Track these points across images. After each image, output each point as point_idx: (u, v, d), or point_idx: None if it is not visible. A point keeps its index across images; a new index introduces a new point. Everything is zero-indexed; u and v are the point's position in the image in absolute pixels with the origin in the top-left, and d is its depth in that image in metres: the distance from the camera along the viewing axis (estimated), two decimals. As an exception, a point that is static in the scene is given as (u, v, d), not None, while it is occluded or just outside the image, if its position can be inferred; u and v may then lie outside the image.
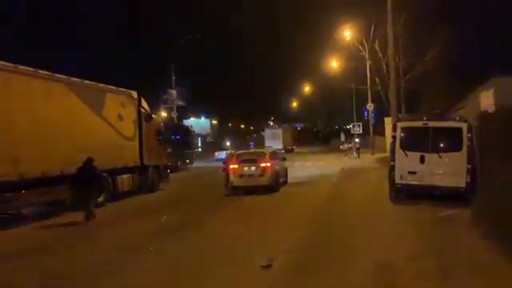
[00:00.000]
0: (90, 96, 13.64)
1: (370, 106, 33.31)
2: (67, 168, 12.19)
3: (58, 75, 12.54)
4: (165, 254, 7.59)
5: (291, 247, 7.45)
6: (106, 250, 8.11)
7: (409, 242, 7.47)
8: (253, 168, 14.89)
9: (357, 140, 34.36)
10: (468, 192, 10.12)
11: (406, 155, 11.14)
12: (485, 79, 18.27)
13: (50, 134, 11.77)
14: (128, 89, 16.17)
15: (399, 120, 13.25)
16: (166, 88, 41.42)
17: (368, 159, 29.61)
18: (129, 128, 15.69)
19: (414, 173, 10.96)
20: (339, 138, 44.23)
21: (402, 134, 11.41)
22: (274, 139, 46.28)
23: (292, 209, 11.97)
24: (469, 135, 10.40)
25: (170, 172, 22.85)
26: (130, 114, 15.92)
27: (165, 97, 41.72)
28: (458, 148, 10.52)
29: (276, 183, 15.23)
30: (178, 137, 29.22)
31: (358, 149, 33.25)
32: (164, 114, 44.62)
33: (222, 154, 24.44)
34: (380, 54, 27.05)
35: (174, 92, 41.15)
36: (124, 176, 14.87)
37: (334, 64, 37.56)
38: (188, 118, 53.67)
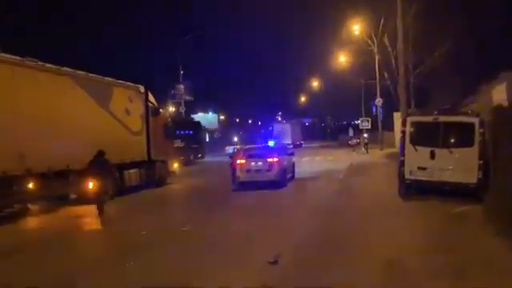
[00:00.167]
0: (97, 90, 13.60)
1: (379, 101, 32.94)
2: (73, 163, 12.22)
3: (65, 69, 12.51)
4: (168, 250, 7.50)
5: (298, 243, 7.33)
6: (110, 245, 8.07)
7: (420, 240, 7.29)
8: (260, 163, 14.77)
9: (365, 135, 34.06)
10: (479, 188, 9.90)
11: (416, 150, 10.94)
12: (496, 74, 17.93)
13: (56, 128, 11.73)
14: (135, 83, 16.13)
15: (409, 115, 13.02)
16: (174, 83, 41.45)
17: (377, 154, 29.35)
18: (136, 122, 15.64)
19: (424, 168, 10.75)
20: (347, 133, 43.91)
21: (412, 129, 11.20)
22: (282, 134, 46.24)
23: (299, 204, 11.83)
24: (481, 130, 10.16)
25: (183, 166, 23.75)
26: (138, 108, 15.87)
27: (172, 91, 41.72)
28: (470, 143, 10.28)
29: (283, 178, 15.10)
30: (190, 132, 29.86)
31: (366, 144, 32.98)
32: (172, 108, 44.61)
33: (232, 149, 24.51)
34: (389, 48, 26.68)
35: (181, 87, 41.12)
36: (131, 171, 14.85)
37: (342, 59, 37.20)
38: (196, 113, 53.58)
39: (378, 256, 6.43)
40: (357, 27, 30.33)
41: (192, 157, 28.62)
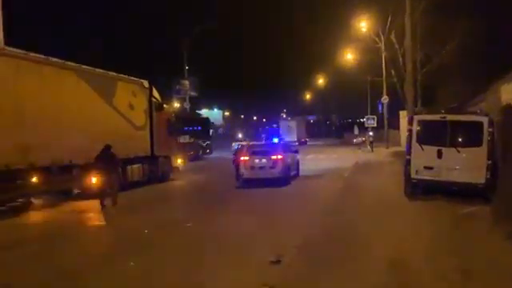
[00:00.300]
0: (101, 84, 13.53)
1: (385, 99, 32.68)
2: (77, 157, 12.17)
3: (69, 63, 12.43)
4: (168, 247, 7.38)
5: (301, 243, 7.19)
6: (110, 241, 7.99)
7: (427, 241, 7.12)
8: (264, 160, 14.65)
9: (370, 133, 33.85)
10: (487, 189, 9.72)
11: (423, 149, 10.76)
12: (505, 73, 17.63)
13: (59, 122, 11.67)
14: (140, 78, 16.04)
15: (416, 113, 12.83)
16: (179, 78, 41.36)
17: (382, 153, 29.14)
18: (139, 117, 15.57)
19: (431, 168, 10.57)
20: (353, 131, 43.71)
21: (419, 128, 11.01)
22: (288, 131, 46.34)
23: (303, 203, 11.68)
24: (490, 129, 9.97)
25: (192, 161, 25.02)
26: (141, 103, 15.78)
27: (177, 87, 41.69)
28: (478, 143, 10.09)
29: (287, 176, 14.98)
30: (199, 128, 30.66)
31: (371, 142, 32.77)
32: (177, 104, 44.55)
33: (238, 145, 24.67)
34: (396, 46, 26.41)
35: (186, 82, 41.06)
36: (134, 166, 14.78)
37: (348, 56, 36.94)
38: (200, 109, 53.55)
39: (383, 257, 6.28)
40: (364, 24, 30.09)
41: (200, 152, 29.21)
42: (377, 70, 32.29)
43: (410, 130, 11.10)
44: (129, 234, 8.55)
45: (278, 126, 52.04)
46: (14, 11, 14.82)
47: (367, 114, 38.13)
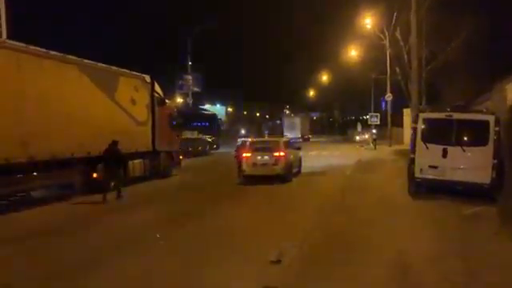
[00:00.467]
0: (103, 79, 13.40)
1: (389, 97, 32.42)
2: (78, 151, 12.08)
3: (70, 57, 12.30)
4: (168, 244, 7.28)
5: (302, 242, 7.08)
6: (111, 237, 7.88)
7: (431, 242, 6.99)
8: (266, 157, 14.52)
9: (374, 131, 33.64)
10: (493, 189, 9.58)
11: (427, 148, 10.61)
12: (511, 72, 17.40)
13: (60, 116, 11.56)
14: (142, 73, 15.91)
15: (420, 111, 12.66)
16: (182, 74, 41.25)
17: (385, 151, 28.96)
18: (141, 112, 15.44)
19: (436, 167, 10.42)
20: (355, 128, 43.51)
21: (424, 126, 10.85)
22: (292, 128, 46.33)
23: (304, 201, 11.54)
24: (496, 129, 9.81)
25: (200, 155, 26.41)
26: (143, 98, 15.65)
27: (180, 82, 41.62)
28: (484, 142, 9.93)
29: (289, 173, 14.85)
30: (206, 123, 31.61)
31: (374, 140, 32.57)
32: (180, 99, 44.46)
33: (241, 141, 24.83)
34: (401, 43, 26.15)
35: (189, 78, 40.95)
36: (135, 161, 14.67)
37: (353, 53, 36.67)
38: (203, 104, 53.42)
39: (385, 258, 6.16)
40: (368, 21, 29.83)
41: (208, 147, 29.60)
42: (381, 68, 32.00)
43: (415, 128, 10.95)
44: (128, 230, 8.46)
45: (281, 123, 51.93)
46: (14, 9, 14.67)
47: (370, 112, 37.91)
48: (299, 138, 44.33)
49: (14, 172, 10.40)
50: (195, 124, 30.41)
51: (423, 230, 7.79)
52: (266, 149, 14.92)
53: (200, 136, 29.16)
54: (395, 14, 25.98)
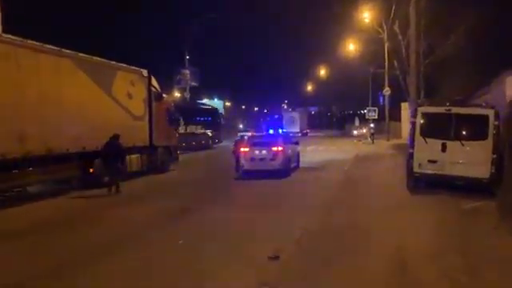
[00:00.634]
0: (99, 73, 13.27)
1: (387, 91, 32.31)
2: (74, 146, 11.98)
3: (66, 51, 12.17)
4: (165, 240, 7.21)
5: (300, 238, 7.02)
6: (109, 233, 7.81)
7: (430, 237, 6.93)
8: (264, 152, 14.46)
9: (372, 125, 33.60)
10: (492, 183, 9.54)
11: (426, 143, 10.54)
12: (509, 66, 17.33)
13: (56, 111, 11.45)
14: (139, 67, 15.78)
15: (419, 105, 12.58)
16: (180, 68, 41.01)
17: (383, 145, 28.94)
18: (138, 107, 15.34)
19: (435, 162, 10.36)
20: (354, 122, 43.47)
21: (423, 120, 10.78)
22: (291, 123, 46.37)
23: (302, 196, 11.47)
24: (496, 123, 9.75)
25: (204, 149, 27.15)
26: (140, 92, 15.54)
27: (178, 77, 41.37)
28: (483, 136, 9.88)
29: (287, 168, 14.80)
30: (209, 118, 32.03)
31: (372, 134, 32.55)
32: (177, 94, 44.23)
33: (241, 136, 25.01)
34: (400, 37, 26.04)
35: (187, 72, 40.73)
36: (132, 156, 14.57)
37: (351, 47, 36.52)
38: (201, 99, 53.21)
39: (384, 254, 6.10)
40: (367, 15, 29.68)
41: (211, 142, 30.20)
42: (379, 61, 31.89)
43: (414, 123, 10.88)
44: (126, 226, 8.38)
45: (279, 117, 51.86)
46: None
47: (368, 106, 37.84)
48: (298, 132, 44.32)
49: (10, 167, 10.32)
50: (199, 119, 30.76)
51: (422, 225, 7.73)
52: (264, 143, 14.87)
53: (203, 130, 29.67)
54: (393, 7, 25.85)
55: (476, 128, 10.17)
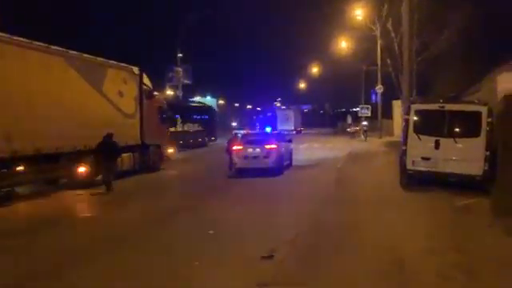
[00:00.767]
0: (90, 71, 13.07)
1: (380, 89, 32.39)
2: (63, 145, 11.78)
3: (56, 48, 11.94)
4: (157, 241, 7.08)
5: (294, 237, 6.93)
6: (99, 233, 7.66)
7: (424, 235, 6.87)
8: (257, 150, 14.36)
9: (364, 123, 33.67)
10: (485, 181, 9.52)
11: (420, 140, 10.51)
12: (503, 61, 17.38)
13: (45, 109, 11.23)
14: (131, 64, 15.57)
15: (412, 102, 12.56)
16: (172, 65, 40.73)
17: (376, 143, 28.99)
18: (129, 105, 15.15)
19: (428, 159, 10.33)
20: (346, 120, 43.51)
21: (416, 117, 10.74)
22: (285, 120, 46.34)
23: (296, 194, 11.40)
24: (489, 120, 9.73)
25: (200, 147, 27.64)
26: (131, 90, 15.35)
27: (170, 74, 41.10)
28: (477, 133, 9.86)
29: (281, 166, 14.72)
30: (205, 116, 32.26)
31: (365, 132, 32.61)
32: (170, 92, 43.92)
33: (239, 133, 25.03)
34: (393, 34, 26.05)
35: (179, 70, 40.46)
36: (124, 155, 14.34)
37: (343, 45, 36.49)
38: (193, 97, 52.93)
39: (378, 253, 6.01)
40: (359, 12, 29.65)
41: (207, 139, 30.51)
42: (372, 59, 31.91)
43: (407, 120, 10.84)
44: (112, 226, 8.22)
45: (272, 115, 51.74)
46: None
47: (361, 104, 37.88)
48: (292, 130, 44.30)
49: (-2, 167, 10.12)
50: (196, 117, 30.80)
51: (415, 223, 7.69)
52: (258, 141, 14.77)
53: (200, 128, 29.97)
54: (386, 4, 25.84)
55: (469, 125, 10.15)
